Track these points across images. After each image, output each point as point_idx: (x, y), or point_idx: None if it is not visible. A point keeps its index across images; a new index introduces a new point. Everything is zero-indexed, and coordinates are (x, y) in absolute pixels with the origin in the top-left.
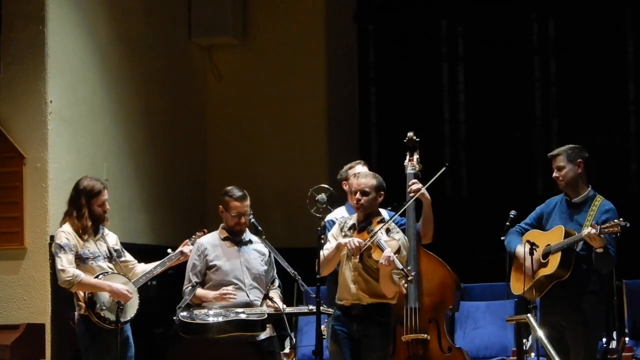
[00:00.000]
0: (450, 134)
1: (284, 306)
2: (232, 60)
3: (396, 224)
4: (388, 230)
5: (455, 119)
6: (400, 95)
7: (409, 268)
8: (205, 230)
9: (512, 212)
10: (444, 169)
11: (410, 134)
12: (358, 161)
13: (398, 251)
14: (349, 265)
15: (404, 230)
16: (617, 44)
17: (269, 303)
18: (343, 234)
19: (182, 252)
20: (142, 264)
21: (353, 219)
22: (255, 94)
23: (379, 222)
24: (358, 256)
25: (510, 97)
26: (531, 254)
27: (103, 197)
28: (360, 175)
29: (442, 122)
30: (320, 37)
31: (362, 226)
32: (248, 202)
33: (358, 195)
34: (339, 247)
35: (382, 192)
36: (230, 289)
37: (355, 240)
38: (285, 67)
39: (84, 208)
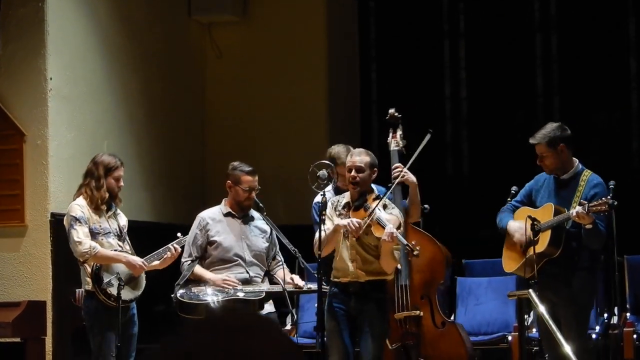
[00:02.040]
0: (452, 111)
1: (286, 283)
2: (232, 37)
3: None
4: (385, 207)
5: (457, 95)
6: (401, 72)
7: (413, 243)
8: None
9: (514, 188)
10: (428, 136)
11: (391, 110)
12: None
13: (399, 227)
14: (346, 243)
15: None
16: (618, 20)
17: (290, 280)
18: (337, 213)
19: (169, 249)
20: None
21: (346, 198)
22: (256, 72)
23: (374, 199)
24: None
25: (512, 74)
26: (533, 229)
27: (120, 172)
28: (353, 152)
29: (443, 99)
30: (320, 13)
31: (358, 204)
32: (257, 177)
33: (353, 173)
34: (337, 229)
35: (375, 169)
36: (232, 277)
37: (354, 221)
38: (286, 44)
39: (102, 179)
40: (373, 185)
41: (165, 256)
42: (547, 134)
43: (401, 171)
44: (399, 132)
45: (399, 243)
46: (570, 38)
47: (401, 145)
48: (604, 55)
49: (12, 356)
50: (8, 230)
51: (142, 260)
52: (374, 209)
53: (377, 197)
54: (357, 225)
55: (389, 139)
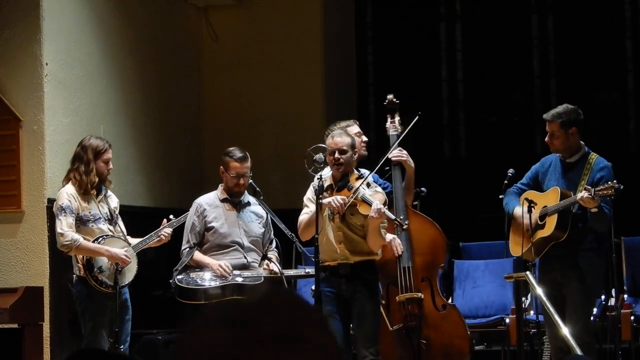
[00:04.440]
0: (448, 93)
1: (281, 269)
2: (228, 21)
3: (382, 187)
4: (368, 185)
5: (453, 78)
6: (398, 54)
7: (401, 217)
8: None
9: (510, 171)
10: (417, 118)
11: (389, 96)
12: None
13: (384, 203)
14: (332, 226)
15: (389, 194)
16: (614, 2)
17: (265, 265)
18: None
19: (158, 234)
20: (129, 237)
21: (328, 180)
22: (252, 55)
23: (357, 179)
24: (340, 216)
25: (508, 56)
26: (529, 211)
27: (108, 155)
28: (333, 134)
29: (439, 82)
30: None
31: (341, 185)
32: (248, 164)
33: (337, 155)
34: (321, 207)
35: (355, 150)
36: (230, 266)
37: (338, 198)
38: (282, 27)
39: (92, 163)
40: (362, 170)
41: (155, 240)
42: (562, 114)
43: (399, 152)
44: (397, 118)
45: (386, 219)
46: (567, 19)
47: (399, 130)
48: (600, 37)
49: (9, 342)
50: (5, 216)
51: (124, 252)
52: (358, 187)
53: (360, 177)
54: (341, 202)
55: (388, 124)
